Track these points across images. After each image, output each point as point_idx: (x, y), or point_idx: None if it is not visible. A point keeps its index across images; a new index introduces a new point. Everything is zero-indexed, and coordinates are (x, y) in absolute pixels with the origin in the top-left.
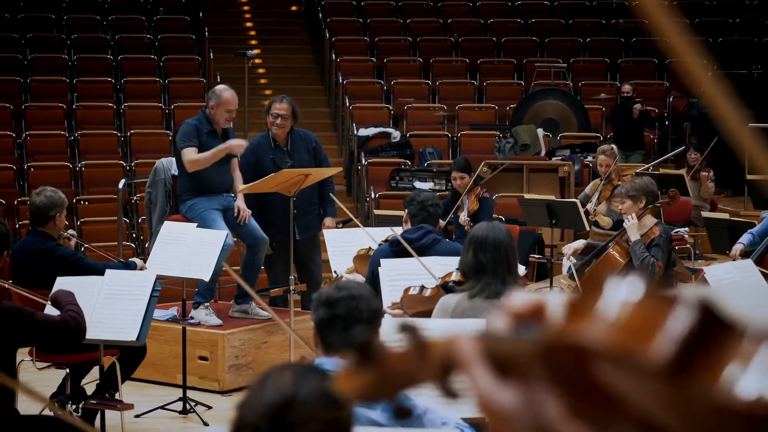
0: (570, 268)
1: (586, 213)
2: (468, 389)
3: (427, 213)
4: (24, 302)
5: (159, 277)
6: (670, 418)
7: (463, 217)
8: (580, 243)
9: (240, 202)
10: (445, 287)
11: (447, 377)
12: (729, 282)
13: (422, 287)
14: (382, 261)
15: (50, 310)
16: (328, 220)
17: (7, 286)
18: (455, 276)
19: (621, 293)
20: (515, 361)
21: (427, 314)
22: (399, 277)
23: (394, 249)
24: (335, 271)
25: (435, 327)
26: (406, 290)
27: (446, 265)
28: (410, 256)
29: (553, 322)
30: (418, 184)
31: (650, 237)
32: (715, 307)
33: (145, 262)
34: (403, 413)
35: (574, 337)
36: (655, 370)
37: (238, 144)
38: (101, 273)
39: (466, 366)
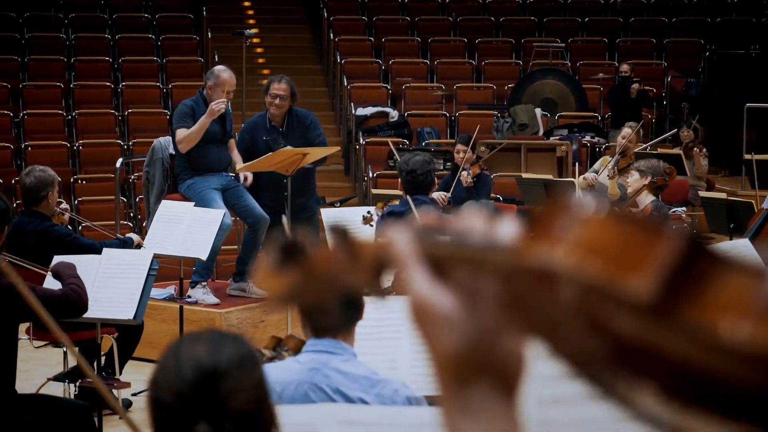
0: None
1: (592, 185)
2: (399, 291)
3: (417, 182)
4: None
5: (156, 256)
6: (656, 347)
7: (466, 173)
8: None
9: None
10: None
11: (377, 278)
12: None
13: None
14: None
15: (50, 283)
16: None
17: (7, 259)
18: None
19: (595, 216)
20: (461, 266)
21: None
22: None
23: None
24: (369, 211)
25: None
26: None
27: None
28: None
29: (520, 238)
30: None
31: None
32: (701, 238)
33: (142, 240)
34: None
35: (547, 259)
36: (639, 304)
37: (216, 104)
38: (98, 252)
39: (402, 265)
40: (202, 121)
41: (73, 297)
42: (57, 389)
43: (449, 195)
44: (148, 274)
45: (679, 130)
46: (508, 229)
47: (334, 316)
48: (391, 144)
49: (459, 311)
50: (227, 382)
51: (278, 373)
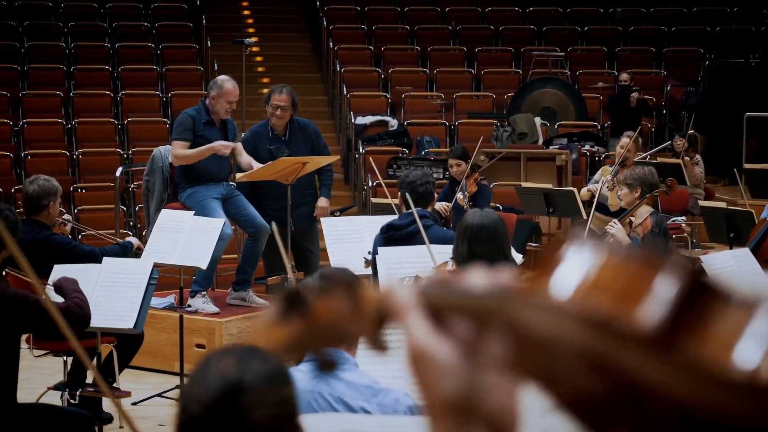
0: None
1: (601, 206)
2: (399, 342)
3: (417, 194)
4: (23, 286)
5: (156, 265)
6: (659, 383)
7: (461, 195)
8: None
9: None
10: None
11: (378, 330)
12: (727, 271)
13: (417, 278)
14: (379, 250)
15: (51, 296)
16: (321, 200)
17: (7, 270)
18: (450, 266)
19: (598, 254)
20: (460, 315)
21: None
22: (395, 265)
23: (384, 235)
24: (369, 252)
25: None
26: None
27: (444, 254)
28: (400, 241)
29: (521, 280)
30: None
31: (644, 230)
32: (703, 273)
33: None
34: (328, 366)
35: (550, 297)
36: (642, 336)
37: (222, 145)
38: (98, 259)
39: (401, 316)
40: (202, 151)
41: (76, 311)
42: (56, 398)
43: (451, 205)
44: (148, 284)
45: (673, 140)
46: (507, 276)
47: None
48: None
49: (456, 359)
50: (249, 397)
51: None
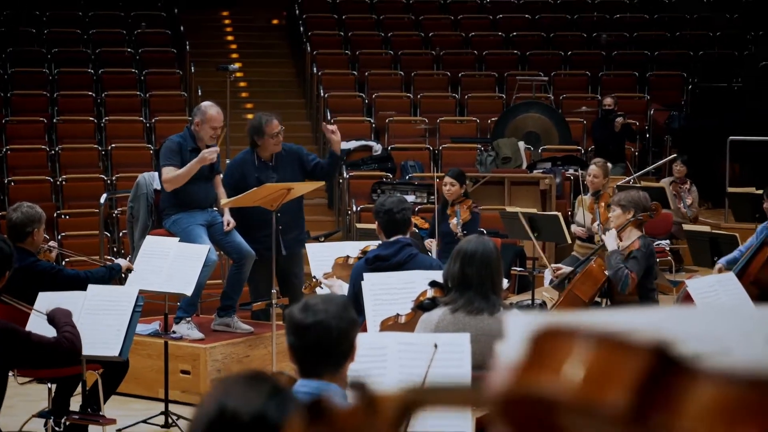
0: (552, 280)
1: (590, 236)
2: None
3: (394, 222)
4: (8, 315)
5: (141, 292)
6: None
7: (455, 222)
8: (568, 270)
9: (227, 216)
10: (421, 306)
11: (397, 428)
12: (712, 296)
13: (397, 315)
14: (365, 276)
15: (37, 323)
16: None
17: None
18: (430, 293)
19: (579, 339)
20: (454, 406)
21: None
22: (382, 291)
23: (371, 266)
24: (314, 277)
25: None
26: (384, 322)
27: (428, 279)
28: (388, 271)
29: (510, 373)
30: None
31: (630, 250)
32: (669, 349)
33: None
34: None
35: (534, 388)
36: (616, 418)
37: (209, 152)
38: (83, 283)
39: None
40: (192, 166)
41: (65, 345)
42: (40, 425)
43: (461, 228)
44: (133, 311)
45: (673, 163)
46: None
47: (323, 358)
48: None
49: None
50: (246, 426)
51: None
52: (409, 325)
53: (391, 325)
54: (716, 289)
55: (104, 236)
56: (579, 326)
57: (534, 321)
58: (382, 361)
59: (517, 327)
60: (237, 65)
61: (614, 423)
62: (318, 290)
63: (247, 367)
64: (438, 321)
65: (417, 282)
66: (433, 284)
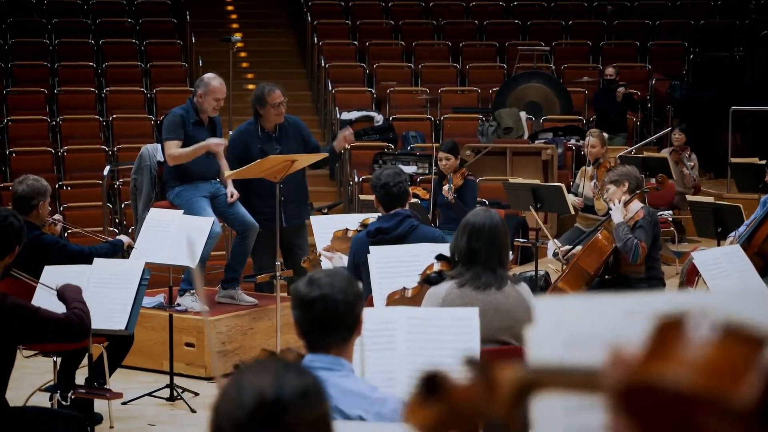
0: (555, 251)
1: (588, 207)
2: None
3: (392, 195)
4: (14, 289)
5: (146, 264)
6: None
7: (447, 188)
8: (576, 249)
9: (231, 188)
10: (428, 280)
11: (515, 409)
12: (718, 269)
13: (404, 289)
14: (371, 249)
15: (43, 297)
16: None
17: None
18: (436, 267)
19: (700, 330)
20: (576, 390)
21: None
22: (388, 264)
23: (373, 239)
24: (314, 250)
25: (418, 314)
26: (390, 295)
27: (432, 252)
28: (388, 244)
29: (633, 361)
30: (401, 168)
31: (635, 220)
32: None
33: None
34: None
35: (657, 377)
36: (746, 411)
37: (216, 142)
38: (87, 257)
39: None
40: (196, 149)
41: (75, 321)
42: (45, 399)
43: (453, 193)
44: (139, 285)
45: (671, 132)
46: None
47: (330, 332)
48: None
49: None
50: (288, 415)
51: None
52: (415, 299)
53: (397, 299)
54: (722, 261)
55: (107, 208)
56: (700, 316)
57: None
58: (390, 336)
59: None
60: (238, 36)
61: (738, 418)
62: (321, 263)
63: (251, 339)
64: (445, 295)
65: (422, 255)
66: (440, 257)
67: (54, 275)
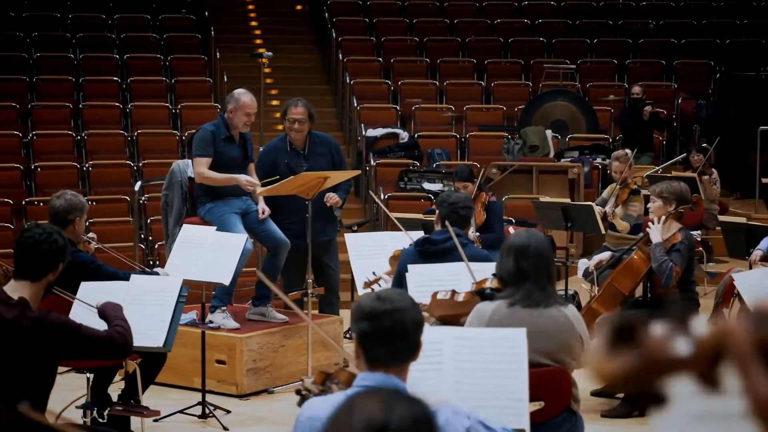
0: (587, 270)
1: (604, 216)
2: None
3: (457, 215)
4: (52, 306)
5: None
6: None
7: (471, 232)
8: (606, 254)
9: (262, 204)
10: (482, 293)
11: (713, 368)
12: (759, 289)
13: (453, 291)
14: (410, 267)
15: (80, 313)
16: (335, 195)
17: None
18: (491, 282)
19: None
20: None
21: (454, 319)
22: (427, 283)
23: (419, 248)
24: (374, 272)
25: (466, 335)
26: (434, 294)
27: (480, 272)
28: (435, 256)
29: None
30: (426, 186)
31: (672, 242)
32: None
33: (159, 265)
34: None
35: None
36: None
37: (248, 181)
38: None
39: (740, 362)
40: (229, 179)
41: (118, 339)
42: (77, 414)
43: (477, 234)
44: (177, 301)
45: (689, 155)
46: None
47: (396, 347)
48: None
49: None
50: None
51: (327, 407)
52: (465, 305)
53: (443, 300)
54: (763, 282)
55: (131, 223)
56: None
57: None
58: (438, 355)
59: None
60: (264, 51)
61: None
62: (376, 286)
63: (282, 356)
64: (492, 313)
65: (463, 274)
66: (497, 275)
67: (90, 292)
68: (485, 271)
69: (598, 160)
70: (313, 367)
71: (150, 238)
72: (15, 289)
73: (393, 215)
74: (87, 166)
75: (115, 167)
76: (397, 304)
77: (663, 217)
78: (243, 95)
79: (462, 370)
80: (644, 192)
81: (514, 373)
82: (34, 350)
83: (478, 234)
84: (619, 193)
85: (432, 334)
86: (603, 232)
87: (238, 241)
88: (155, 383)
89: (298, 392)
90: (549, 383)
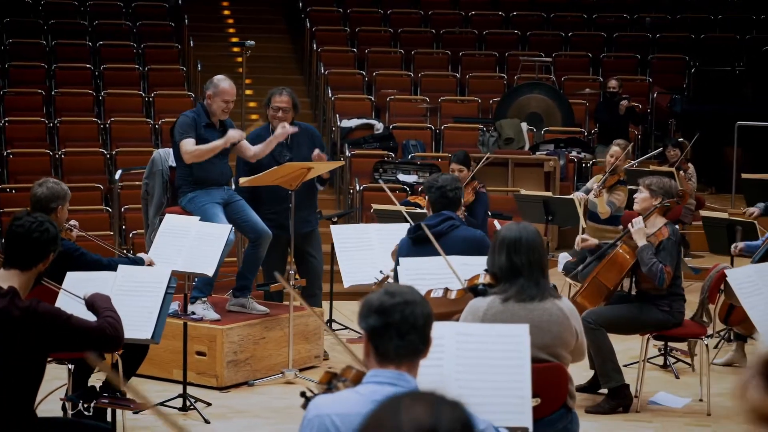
0: (566, 264)
1: (585, 205)
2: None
3: (446, 199)
4: (38, 296)
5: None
6: None
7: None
8: (594, 241)
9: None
10: (474, 290)
11: None
12: (750, 286)
13: (446, 289)
14: (401, 260)
15: (65, 302)
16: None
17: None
18: (483, 278)
19: None
20: None
21: (448, 317)
22: (417, 276)
23: (412, 236)
24: (381, 271)
25: (468, 330)
26: (428, 293)
27: (470, 266)
28: (429, 242)
29: None
30: (401, 177)
31: (659, 238)
32: None
33: (133, 254)
34: None
35: None
36: None
37: (234, 135)
38: (105, 268)
39: None
40: (216, 144)
41: (109, 330)
42: (56, 405)
43: (464, 210)
44: (165, 293)
45: (665, 149)
46: None
47: (407, 341)
48: None
49: None
50: None
51: (336, 404)
52: (458, 302)
53: (436, 298)
54: (754, 278)
55: (105, 211)
56: None
57: None
58: (439, 351)
59: None
60: (251, 42)
61: None
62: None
63: (262, 348)
64: (486, 309)
65: (457, 269)
66: (489, 270)
67: (77, 282)
68: (475, 264)
69: (574, 153)
70: (294, 360)
71: (124, 227)
72: (4, 278)
73: (402, 208)
74: (60, 153)
75: (89, 155)
76: (407, 297)
77: (645, 210)
78: (222, 81)
79: (463, 367)
80: (630, 187)
81: (517, 369)
82: (24, 340)
83: (464, 210)
84: (607, 178)
85: (433, 330)
86: (584, 225)
87: (222, 231)
88: (135, 375)
89: (302, 394)
90: (546, 380)
